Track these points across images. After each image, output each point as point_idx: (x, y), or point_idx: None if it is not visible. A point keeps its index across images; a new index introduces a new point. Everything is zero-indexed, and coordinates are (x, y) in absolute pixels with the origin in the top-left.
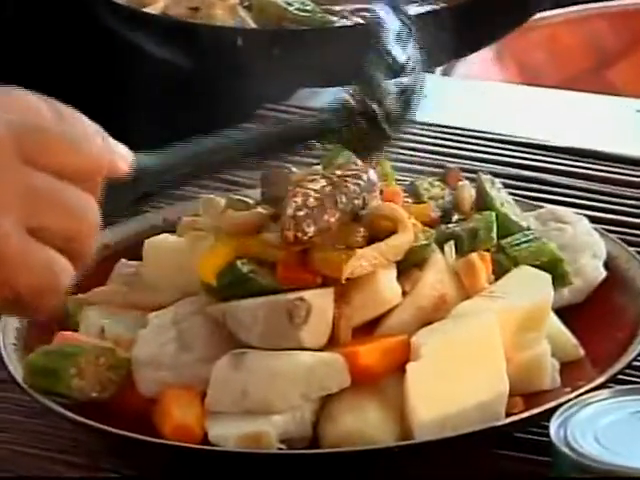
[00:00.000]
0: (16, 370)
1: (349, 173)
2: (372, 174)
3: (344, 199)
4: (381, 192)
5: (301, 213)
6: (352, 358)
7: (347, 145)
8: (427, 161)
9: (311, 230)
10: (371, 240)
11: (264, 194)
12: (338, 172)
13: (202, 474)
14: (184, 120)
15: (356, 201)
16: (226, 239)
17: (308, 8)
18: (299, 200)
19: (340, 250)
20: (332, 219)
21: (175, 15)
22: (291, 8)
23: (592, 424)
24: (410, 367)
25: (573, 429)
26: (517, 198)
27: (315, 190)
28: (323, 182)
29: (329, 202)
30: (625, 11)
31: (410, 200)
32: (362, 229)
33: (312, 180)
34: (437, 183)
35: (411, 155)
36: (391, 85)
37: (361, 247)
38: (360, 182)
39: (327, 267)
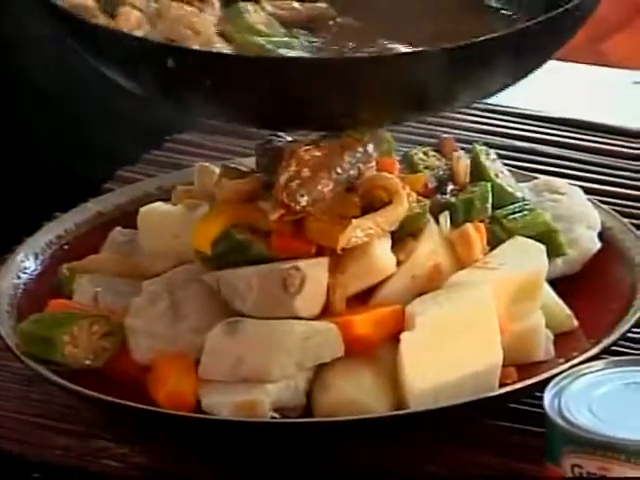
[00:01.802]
0: (9, 337)
1: (345, 143)
2: (368, 145)
3: (339, 170)
4: (376, 162)
5: (294, 183)
6: (346, 327)
7: None
8: (421, 131)
9: (304, 200)
10: (366, 210)
11: (259, 163)
12: (334, 142)
13: (195, 442)
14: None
15: (351, 172)
16: (221, 207)
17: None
18: (292, 170)
19: (335, 220)
20: (326, 189)
21: None
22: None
23: (586, 395)
24: (404, 337)
25: (567, 400)
26: (512, 169)
27: (309, 160)
28: (318, 152)
29: (323, 172)
30: None
31: (405, 170)
32: (357, 199)
33: (307, 150)
34: (432, 153)
35: (405, 125)
36: None
37: (356, 217)
38: (356, 153)
39: (322, 237)
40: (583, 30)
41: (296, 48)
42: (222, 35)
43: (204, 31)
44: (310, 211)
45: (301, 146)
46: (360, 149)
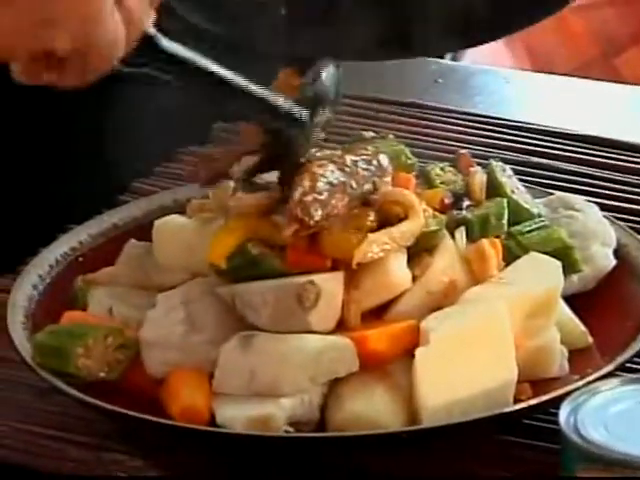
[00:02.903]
0: (24, 349)
1: (360, 158)
2: (383, 159)
3: (354, 184)
4: (393, 178)
5: (309, 198)
6: (361, 342)
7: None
8: (437, 146)
9: (318, 214)
10: (382, 225)
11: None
12: (348, 157)
13: (209, 456)
14: None
15: (366, 186)
16: (236, 221)
17: None
18: (307, 185)
19: (350, 233)
20: (340, 204)
21: None
22: None
23: (602, 412)
24: (419, 352)
25: (583, 417)
26: (528, 185)
27: (324, 175)
28: (332, 167)
29: (338, 187)
30: None
31: (422, 185)
32: (372, 212)
33: (321, 165)
34: (449, 169)
35: (422, 140)
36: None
37: (371, 230)
38: (370, 167)
39: (337, 250)
40: (596, 46)
41: None
42: None
43: None
44: (324, 225)
45: (316, 161)
46: (375, 162)
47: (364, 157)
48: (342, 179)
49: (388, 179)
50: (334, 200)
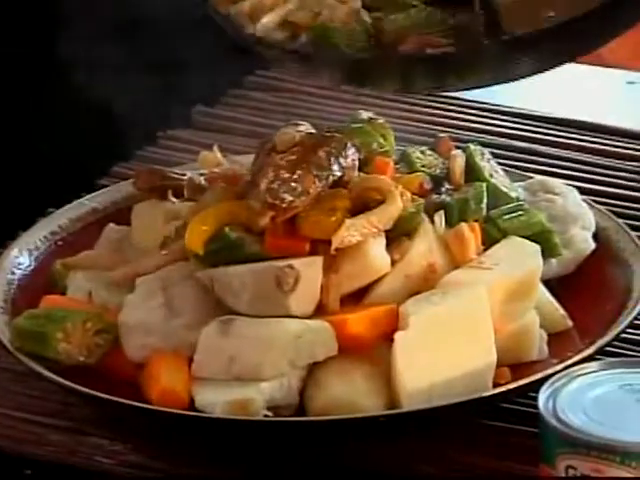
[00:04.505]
0: (3, 333)
1: (317, 142)
2: (346, 142)
3: (318, 166)
4: (367, 162)
5: (274, 185)
6: (340, 326)
7: None
8: (417, 130)
9: (288, 196)
10: (360, 211)
11: (255, 161)
12: (306, 143)
13: (188, 440)
14: None
15: (334, 166)
16: (214, 207)
17: None
18: (271, 175)
19: (326, 213)
20: (311, 185)
21: (295, 21)
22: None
23: (580, 396)
24: (398, 336)
25: (561, 401)
26: (507, 168)
27: (285, 164)
28: (292, 156)
29: (302, 170)
30: None
31: (402, 169)
32: (345, 191)
33: (282, 158)
34: (429, 152)
35: (401, 124)
36: None
37: (346, 209)
38: (331, 149)
39: (315, 231)
40: None
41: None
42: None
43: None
44: (298, 206)
45: (276, 154)
46: (335, 145)
47: (319, 141)
48: (301, 162)
49: (355, 159)
50: (303, 183)
